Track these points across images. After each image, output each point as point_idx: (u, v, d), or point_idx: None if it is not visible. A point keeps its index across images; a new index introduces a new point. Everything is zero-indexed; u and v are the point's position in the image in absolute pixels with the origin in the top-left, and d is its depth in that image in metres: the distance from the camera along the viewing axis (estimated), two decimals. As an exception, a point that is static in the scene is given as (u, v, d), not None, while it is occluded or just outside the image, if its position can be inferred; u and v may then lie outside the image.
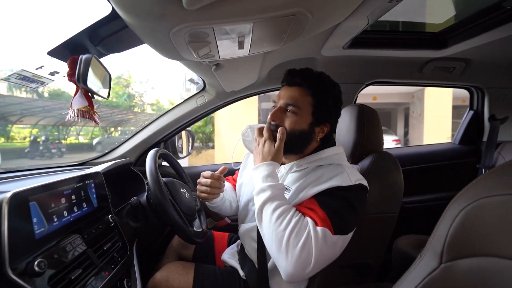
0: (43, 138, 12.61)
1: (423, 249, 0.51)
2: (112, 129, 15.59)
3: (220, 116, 8.86)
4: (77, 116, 0.65)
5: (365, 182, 0.79)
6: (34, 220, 0.56)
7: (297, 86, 0.84)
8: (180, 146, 1.69)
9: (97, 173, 0.83)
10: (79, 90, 0.63)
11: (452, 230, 0.45)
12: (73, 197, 0.69)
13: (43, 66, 0.63)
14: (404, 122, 12.98)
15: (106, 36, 0.63)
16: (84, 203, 0.74)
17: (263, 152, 0.79)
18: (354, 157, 1.03)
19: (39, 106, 11.03)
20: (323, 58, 1.29)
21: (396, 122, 13.84)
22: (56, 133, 13.98)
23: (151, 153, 1.00)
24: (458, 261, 0.44)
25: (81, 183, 0.74)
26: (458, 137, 1.75)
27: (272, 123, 0.84)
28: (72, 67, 0.61)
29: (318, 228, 0.68)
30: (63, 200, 0.65)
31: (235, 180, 1.18)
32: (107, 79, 0.77)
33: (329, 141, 0.90)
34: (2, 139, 13.18)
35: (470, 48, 1.17)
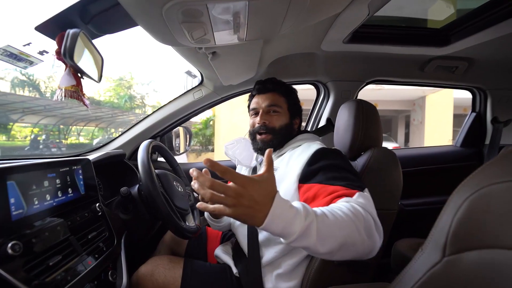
0: (43, 137, 12.63)
1: (425, 242, 0.48)
2: (113, 130, 15.62)
3: (220, 119, 8.86)
4: (65, 96, 0.63)
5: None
6: (12, 200, 0.53)
7: (270, 92, 0.97)
8: (177, 144, 1.66)
9: (86, 159, 0.80)
10: (67, 67, 0.61)
11: (456, 221, 0.43)
12: (57, 181, 0.66)
13: (30, 43, 0.61)
14: (405, 129, 12.96)
15: (97, 14, 0.61)
16: (69, 189, 0.71)
17: (254, 200, 0.48)
18: (352, 153, 1.00)
19: (40, 105, 11.05)
20: (323, 54, 1.27)
21: (396, 129, 13.82)
22: (57, 133, 14.01)
23: (144, 144, 0.98)
24: (462, 254, 0.41)
25: (67, 168, 0.71)
26: (460, 139, 1.72)
27: (261, 124, 0.94)
28: (61, 44, 0.59)
29: (355, 198, 0.62)
30: (46, 183, 0.62)
31: None
32: (99, 62, 0.75)
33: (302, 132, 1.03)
34: (4, 137, 13.21)
35: (473, 45, 1.15)
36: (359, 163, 0.97)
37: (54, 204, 0.64)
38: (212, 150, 9.70)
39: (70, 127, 14.44)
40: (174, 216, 0.88)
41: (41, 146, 11.26)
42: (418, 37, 1.18)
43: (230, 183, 0.48)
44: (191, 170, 0.49)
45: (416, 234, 1.39)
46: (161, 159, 1.47)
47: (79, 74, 0.64)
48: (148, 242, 1.27)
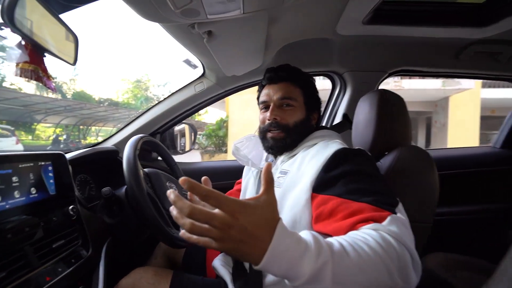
0: (64, 136, 13.13)
1: (492, 277, 0.32)
2: (130, 130, 15.97)
3: (233, 120, 8.78)
4: (21, 75, 0.52)
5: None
6: None
7: (283, 82, 0.84)
8: (182, 144, 1.57)
9: (58, 154, 0.70)
10: (20, 41, 0.50)
11: None
12: (13, 179, 0.56)
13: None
14: (426, 132, 12.36)
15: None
16: (32, 189, 0.60)
17: (248, 233, 0.37)
18: (374, 153, 0.84)
19: (61, 106, 11.46)
20: (339, 39, 1.11)
21: (417, 132, 13.20)
22: (77, 133, 14.55)
23: (132, 139, 0.87)
24: None
25: (30, 164, 0.60)
26: (500, 140, 1.49)
27: (272, 121, 0.81)
28: (13, 11, 0.48)
29: (385, 223, 0.47)
30: (-6, 181, 0.52)
31: (239, 191, 1.03)
32: (71, 41, 0.64)
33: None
34: (30, 137, 13.92)
35: None
36: (383, 164, 0.80)
37: (8, 206, 0.53)
38: (226, 151, 9.65)
39: (89, 127, 14.92)
40: (162, 221, 0.76)
41: (61, 146, 11.68)
42: (454, 16, 0.99)
43: (216, 210, 0.37)
44: (168, 192, 0.38)
45: (448, 248, 1.20)
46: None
47: (38, 51, 0.53)
48: (140, 247, 1.16)
